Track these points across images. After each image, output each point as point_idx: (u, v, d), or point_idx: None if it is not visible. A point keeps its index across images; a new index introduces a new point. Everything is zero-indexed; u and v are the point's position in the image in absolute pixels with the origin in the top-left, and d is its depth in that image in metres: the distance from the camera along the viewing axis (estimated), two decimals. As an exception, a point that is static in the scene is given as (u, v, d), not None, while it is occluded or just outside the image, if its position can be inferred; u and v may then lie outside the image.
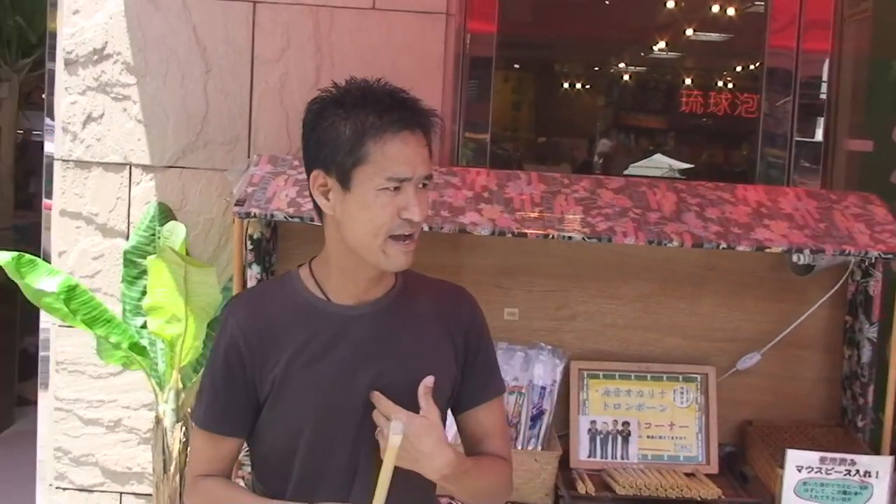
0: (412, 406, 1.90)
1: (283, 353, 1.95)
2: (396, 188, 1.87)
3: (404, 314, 2.02)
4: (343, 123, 1.87)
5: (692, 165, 5.68)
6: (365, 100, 1.88)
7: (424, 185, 1.93)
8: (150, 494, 3.54)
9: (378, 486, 1.83)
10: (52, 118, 3.65)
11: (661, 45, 6.46)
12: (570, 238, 2.87)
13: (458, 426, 2.13)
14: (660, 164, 5.19)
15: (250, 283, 2.98)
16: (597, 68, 7.50)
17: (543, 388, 3.09)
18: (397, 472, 1.85)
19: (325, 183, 1.92)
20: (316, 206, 1.98)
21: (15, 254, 3.17)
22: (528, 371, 3.10)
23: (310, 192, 1.96)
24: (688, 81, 6.62)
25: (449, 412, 2.10)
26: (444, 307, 2.07)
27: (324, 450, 1.96)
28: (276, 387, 1.95)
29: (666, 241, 2.86)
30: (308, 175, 1.95)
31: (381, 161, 1.86)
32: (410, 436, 1.85)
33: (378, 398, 1.90)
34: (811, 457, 2.86)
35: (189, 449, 2.28)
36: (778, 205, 3.10)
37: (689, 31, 6.04)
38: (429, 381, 1.91)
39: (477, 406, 2.09)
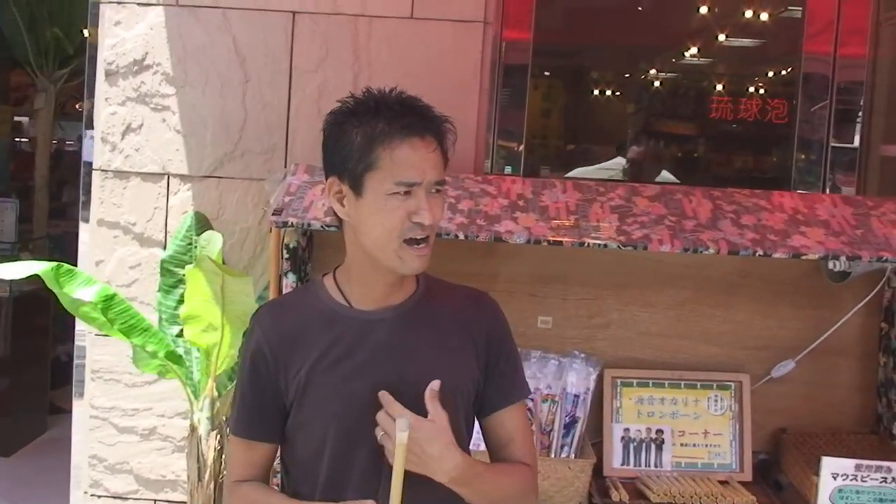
0: (420, 405, 1.92)
1: (306, 358, 1.99)
2: (407, 192, 1.92)
3: (425, 319, 2.06)
4: (355, 131, 1.94)
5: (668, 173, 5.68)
6: (377, 108, 1.95)
7: (437, 190, 1.97)
8: (184, 502, 3.57)
9: (392, 486, 1.85)
10: (92, 128, 3.69)
11: (693, 50, 6.46)
12: (605, 246, 2.87)
13: (482, 430, 2.15)
14: (615, 165, 5.15)
15: (286, 292, 3.00)
16: (627, 75, 7.50)
17: (577, 396, 3.10)
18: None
19: (340, 190, 1.98)
20: (336, 214, 2.03)
21: (53, 264, 3.21)
22: (562, 379, 3.11)
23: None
24: (719, 87, 6.62)
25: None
26: (465, 312, 2.10)
27: (348, 452, 1.99)
28: (300, 391, 2.00)
29: (702, 249, 2.86)
30: (326, 181, 2.02)
31: (390, 166, 1.91)
32: (420, 439, 1.87)
33: (385, 397, 1.92)
34: (847, 464, 2.84)
35: (224, 457, 2.32)
36: (814, 211, 3.09)
37: (722, 37, 6.03)
38: (435, 384, 1.94)
39: (500, 410, 2.11)
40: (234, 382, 2.13)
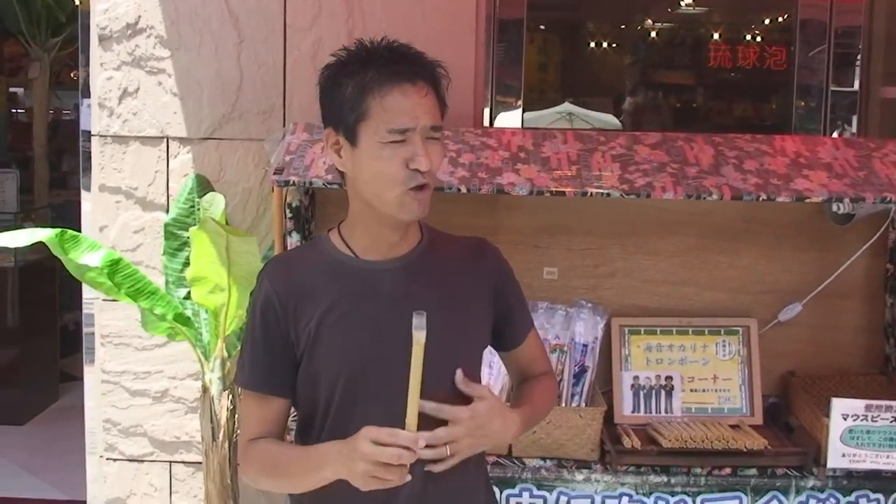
0: (444, 354, 1.94)
1: (315, 309, 2.00)
2: (401, 140, 1.91)
3: (430, 268, 2.06)
4: (346, 82, 1.94)
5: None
6: (368, 58, 1.95)
7: (435, 137, 1.96)
8: (199, 462, 3.59)
9: (410, 389, 1.85)
10: (88, 96, 3.68)
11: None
12: (608, 195, 2.86)
13: (505, 361, 2.31)
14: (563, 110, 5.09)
15: (293, 247, 3.00)
16: (623, 26, 7.46)
17: (585, 345, 3.10)
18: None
19: (337, 141, 1.99)
20: (337, 167, 2.04)
21: (57, 230, 3.20)
22: (570, 329, 3.11)
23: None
24: (716, 35, 6.58)
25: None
26: (470, 259, 2.13)
27: (355, 403, 2.00)
28: (309, 343, 2.00)
29: (705, 195, 2.85)
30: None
31: (381, 114, 1.91)
32: (478, 424, 1.93)
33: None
34: (857, 405, 2.86)
35: (238, 416, 2.31)
36: (816, 154, 3.07)
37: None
38: (459, 374, 1.98)
39: (522, 343, 2.23)
40: (243, 338, 2.11)
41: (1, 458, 5.56)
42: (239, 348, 2.29)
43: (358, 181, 1.98)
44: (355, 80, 1.93)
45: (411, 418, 1.86)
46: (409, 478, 1.86)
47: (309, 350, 2.00)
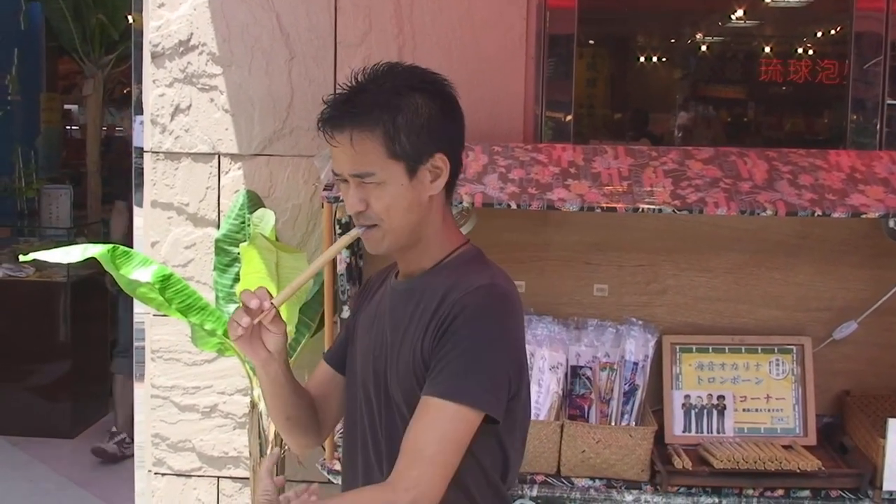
0: (380, 378, 1.95)
1: (361, 314, 2.10)
2: (345, 181, 1.92)
3: (415, 296, 1.95)
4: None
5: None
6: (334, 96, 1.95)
7: (368, 182, 1.88)
8: (247, 478, 3.60)
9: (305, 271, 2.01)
10: (141, 113, 3.71)
11: (740, 13, 6.38)
12: (660, 211, 2.84)
13: None
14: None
15: (339, 268, 3.00)
16: (673, 40, 7.44)
17: (636, 363, 3.07)
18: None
19: None
20: None
21: (109, 246, 3.23)
22: (620, 347, 3.08)
23: None
24: (767, 49, 6.54)
25: None
26: (445, 296, 1.88)
27: (353, 410, 2.05)
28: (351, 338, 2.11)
29: (759, 211, 2.81)
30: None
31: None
32: None
33: None
34: (914, 426, 2.80)
35: None
36: (872, 169, 3.02)
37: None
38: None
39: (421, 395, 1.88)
40: None
41: (51, 471, 5.61)
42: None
43: None
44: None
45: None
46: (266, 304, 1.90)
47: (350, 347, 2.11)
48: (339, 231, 3.00)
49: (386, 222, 1.91)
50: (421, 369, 1.87)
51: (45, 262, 3.37)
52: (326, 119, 1.90)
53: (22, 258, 3.37)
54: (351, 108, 1.89)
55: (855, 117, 3.82)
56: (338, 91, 1.94)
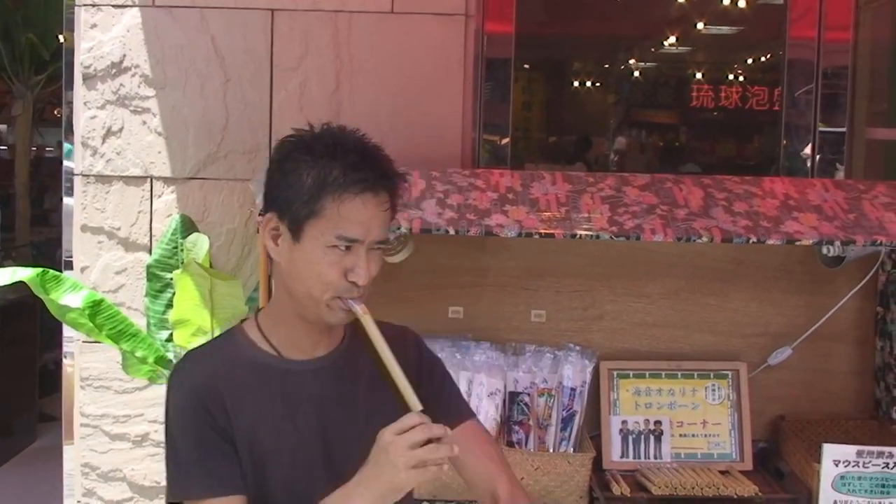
0: (365, 457, 1.80)
1: (245, 414, 1.88)
2: (347, 248, 1.82)
3: (356, 366, 1.96)
4: (307, 172, 1.82)
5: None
6: (334, 150, 1.83)
7: (378, 247, 1.87)
8: (179, 508, 3.52)
9: (394, 374, 1.80)
10: (72, 133, 3.64)
11: (672, 39, 6.47)
12: (597, 237, 2.83)
13: None
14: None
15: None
16: (606, 65, 7.52)
17: (573, 389, 3.07)
18: None
19: (277, 228, 1.87)
20: (267, 252, 1.93)
21: (39, 270, 3.16)
22: (558, 373, 3.08)
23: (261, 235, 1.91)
24: (698, 75, 6.63)
25: None
26: (398, 355, 1.86)
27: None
28: (246, 449, 1.88)
29: (695, 238, 2.82)
30: (262, 215, 1.91)
31: (335, 218, 1.80)
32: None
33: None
34: (848, 451, 2.81)
35: None
36: (806, 196, 3.05)
37: (700, 25, 6.03)
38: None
39: (457, 428, 2.00)
40: (171, 448, 1.90)
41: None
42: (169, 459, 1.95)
43: (290, 276, 1.87)
44: (317, 174, 1.80)
45: (411, 399, 1.78)
46: (456, 449, 1.74)
47: (248, 459, 1.88)
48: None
49: (367, 290, 1.88)
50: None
51: (-29, 286, 3.28)
52: (381, 178, 1.83)
53: (-52, 279, 3.28)
54: (395, 172, 1.86)
55: (787, 144, 3.88)
56: (352, 145, 1.84)
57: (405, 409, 1.80)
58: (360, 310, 1.84)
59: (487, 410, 2.97)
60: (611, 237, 2.83)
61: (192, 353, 2.00)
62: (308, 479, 1.89)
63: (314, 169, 1.81)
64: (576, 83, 7.65)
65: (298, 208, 1.82)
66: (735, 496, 2.87)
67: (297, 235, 1.83)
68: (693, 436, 3.15)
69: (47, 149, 9.20)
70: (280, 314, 1.94)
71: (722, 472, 3.01)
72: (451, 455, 1.74)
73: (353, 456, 1.82)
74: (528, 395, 3.03)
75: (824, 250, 3.08)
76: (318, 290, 1.83)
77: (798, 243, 2.85)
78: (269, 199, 1.90)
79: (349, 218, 1.80)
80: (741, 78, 6.34)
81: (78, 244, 3.61)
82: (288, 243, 1.85)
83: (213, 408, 1.86)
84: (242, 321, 2.00)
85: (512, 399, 3.03)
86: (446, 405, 2.02)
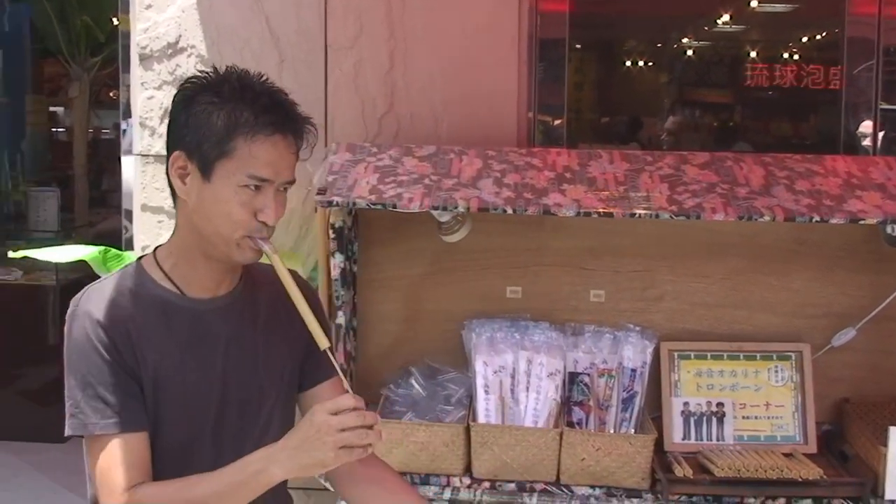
0: (263, 398, 1.98)
1: (150, 352, 1.90)
2: (257, 187, 1.87)
3: (254, 306, 2.02)
4: (217, 113, 1.86)
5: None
6: (243, 93, 1.88)
7: (284, 189, 1.93)
8: None
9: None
10: (129, 116, 3.66)
11: (726, 17, 6.37)
12: (657, 216, 2.80)
13: (301, 406, 2.12)
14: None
15: (334, 273, 2.96)
16: (659, 45, 7.42)
17: (634, 370, 3.03)
18: None
19: (185, 167, 1.90)
20: (170, 189, 1.96)
21: (100, 248, 3.18)
22: (618, 353, 3.04)
23: (166, 174, 1.93)
24: (753, 54, 6.53)
25: None
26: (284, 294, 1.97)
27: (188, 448, 1.93)
28: (151, 387, 1.90)
29: (756, 216, 2.78)
30: (168, 155, 1.92)
31: (246, 158, 1.85)
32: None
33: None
34: (915, 433, 2.77)
35: (94, 468, 1.91)
36: (869, 175, 2.99)
37: (755, 3, 5.95)
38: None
39: (322, 383, 2.10)
40: (73, 379, 1.90)
41: (42, 475, 5.55)
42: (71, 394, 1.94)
43: (198, 214, 1.90)
44: (227, 115, 1.86)
45: (319, 336, 1.89)
46: (384, 437, 1.83)
47: (151, 395, 1.90)
48: (332, 236, 2.96)
49: (272, 232, 1.94)
50: (302, 351, 2.05)
51: (33, 265, 3.34)
52: (289, 121, 1.91)
53: (12, 254, 3.33)
54: (301, 117, 1.94)
55: (847, 122, 3.81)
56: (260, 88, 1.91)
57: (295, 349, 2.02)
58: (269, 248, 1.90)
59: (547, 391, 2.95)
60: (671, 216, 2.79)
61: (94, 289, 1.96)
62: (202, 416, 1.94)
63: (223, 111, 1.86)
64: (628, 63, 7.57)
65: (209, 149, 1.86)
66: (799, 479, 2.81)
67: (208, 175, 1.87)
68: (756, 418, 3.10)
69: (103, 131, 9.29)
70: (183, 253, 1.96)
71: (786, 455, 2.96)
72: (380, 442, 1.80)
73: (246, 394, 1.95)
74: (589, 375, 3.00)
75: (888, 229, 3.02)
76: (228, 229, 1.88)
77: (862, 222, 2.80)
78: (175, 139, 1.92)
79: (260, 158, 1.85)
80: (797, 56, 6.23)
81: (138, 223, 3.63)
82: (197, 182, 1.89)
83: (121, 345, 1.87)
84: (139, 258, 2.02)
85: (572, 379, 3.01)
86: (318, 359, 1.99)
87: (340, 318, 2.97)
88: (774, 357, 3.13)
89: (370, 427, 1.78)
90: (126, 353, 1.87)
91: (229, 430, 1.95)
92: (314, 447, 1.77)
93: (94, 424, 1.87)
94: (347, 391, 1.86)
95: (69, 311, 1.92)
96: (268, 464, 1.81)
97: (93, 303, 1.91)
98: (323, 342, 1.89)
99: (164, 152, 3.49)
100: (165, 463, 1.89)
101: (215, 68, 1.95)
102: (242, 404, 1.97)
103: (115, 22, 6.29)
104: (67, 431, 1.91)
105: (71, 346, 1.91)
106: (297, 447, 1.79)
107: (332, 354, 1.91)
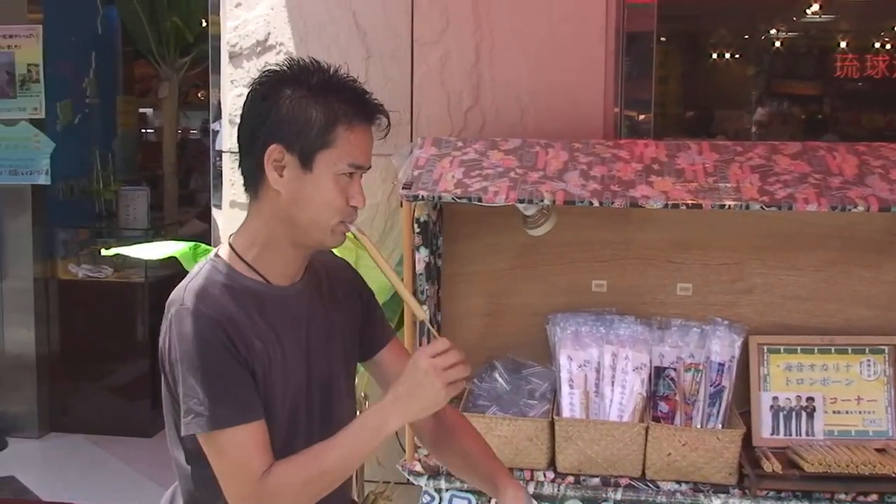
0: (336, 371, 2.11)
1: (254, 341, 1.95)
2: (351, 174, 1.96)
3: (319, 287, 2.12)
4: (314, 107, 1.93)
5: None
6: (329, 85, 1.96)
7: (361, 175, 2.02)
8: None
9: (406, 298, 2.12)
10: (219, 118, 3.72)
11: (815, 8, 6.26)
12: (747, 207, 2.76)
13: (372, 373, 2.29)
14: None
15: (419, 267, 2.97)
16: (746, 36, 7.32)
17: (721, 364, 2.99)
18: None
19: (282, 159, 1.94)
20: (252, 181, 2.02)
21: (191, 244, 3.24)
22: (705, 347, 3.01)
23: (257, 164, 1.98)
24: (843, 45, 6.40)
25: None
26: (344, 273, 2.23)
27: (290, 427, 2.02)
28: (262, 371, 1.96)
29: (850, 207, 2.72)
30: (262, 147, 1.95)
31: (347, 147, 1.93)
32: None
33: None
34: None
35: (225, 461, 1.94)
36: (967, 164, 2.92)
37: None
38: None
39: (386, 346, 2.25)
40: (196, 379, 1.90)
41: (130, 469, 5.66)
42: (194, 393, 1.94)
43: (296, 204, 1.96)
44: (324, 107, 1.93)
45: (416, 307, 2.10)
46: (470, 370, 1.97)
47: (261, 382, 1.96)
48: (417, 230, 2.97)
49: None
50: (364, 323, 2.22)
51: (123, 262, 3.41)
52: (377, 110, 1.99)
53: (105, 252, 3.41)
54: (378, 105, 2.01)
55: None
56: (345, 80, 1.99)
57: (352, 322, 2.17)
58: (356, 230, 2.02)
59: (633, 385, 2.93)
60: (761, 207, 2.75)
61: (192, 287, 1.98)
62: (298, 395, 2.03)
63: (319, 104, 1.93)
64: (714, 55, 7.48)
65: (310, 140, 1.93)
66: (893, 475, 2.76)
67: (309, 166, 1.94)
68: (847, 412, 3.05)
69: (192, 131, 9.44)
70: (267, 242, 2.01)
71: (878, 450, 2.90)
72: (470, 375, 1.98)
73: (327, 369, 2.08)
74: (675, 369, 2.98)
75: None
76: (326, 216, 1.96)
77: (960, 212, 2.73)
78: (268, 131, 1.95)
79: (359, 146, 1.96)
80: (888, 46, 6.10)
81: (227, 220, 3.69)
82: (296, 173, 1.94)
83: (235, 338, 1.92)
84: (216, 252, 2.07)
85: (658, 374, 2.98)
86: (379, 327, 2.27)
87: (425, 313, 2.99)
88: (867, 351, 3.07)
89: (463, 362, 1.93)
90: (240, 345, 1.93)
91: (315, 403, 2.06)
92: (426, 389, 1.90)
93: (225, 419, 1.90)
94: (436, 337, 2.00)
95: (174, 312, 1.95)
96: (385, 417, 1.91)
97: (201, 300, 1.94)
98: (420, 314, 2.08)
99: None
100: (274, 444, 1.96)
101: (294, 60, 2.01)
102: (323, 378, 2.08)
103: (204, 23, 6.40)
104: (188, 430, 1.94)
105: (189, 345, 1.91)
106: (409, 394, 1.91)
107: (430, 324, 2.14)
